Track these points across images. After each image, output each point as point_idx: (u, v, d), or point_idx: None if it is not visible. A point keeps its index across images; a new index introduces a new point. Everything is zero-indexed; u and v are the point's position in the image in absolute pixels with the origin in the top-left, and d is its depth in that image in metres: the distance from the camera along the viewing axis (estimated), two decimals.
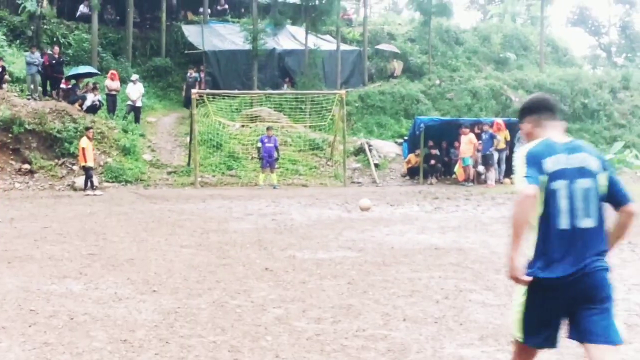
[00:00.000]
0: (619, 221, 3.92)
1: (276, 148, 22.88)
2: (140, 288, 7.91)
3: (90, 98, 24.37)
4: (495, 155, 23.70)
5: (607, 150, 31.93)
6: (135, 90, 25.80)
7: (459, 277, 8.52)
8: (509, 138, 23.69)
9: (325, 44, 34.13)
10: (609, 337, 3.73)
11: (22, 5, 29.45)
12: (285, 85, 31.99)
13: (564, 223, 3.75)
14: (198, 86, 28.45)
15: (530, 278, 3.78)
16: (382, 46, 37.81)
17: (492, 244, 11.05)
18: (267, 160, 22.57)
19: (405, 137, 27.54)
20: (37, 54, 24.39)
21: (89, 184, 20.28)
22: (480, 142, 24.01)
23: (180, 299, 7.37)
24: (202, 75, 30.30)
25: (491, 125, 23.95)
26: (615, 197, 3.90)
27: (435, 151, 25.26)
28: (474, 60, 40.16)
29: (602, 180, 3.86)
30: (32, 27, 29.95)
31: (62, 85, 25.22)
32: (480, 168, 24.09)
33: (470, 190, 21.33)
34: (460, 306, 7.11)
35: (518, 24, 50.15)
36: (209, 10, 36.11)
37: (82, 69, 26.65)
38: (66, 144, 22.29)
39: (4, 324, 6.36)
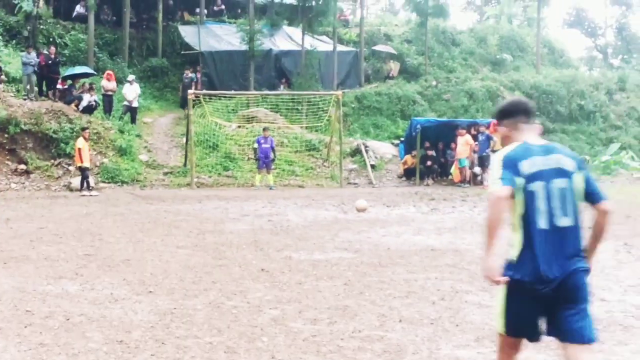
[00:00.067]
0: (595, 220, 4.02)
1: (272, 149, 22.87)
2: (136, 289, 7.90)
3: (87, 98, 24.33)
4: (492, 157, 23.70)
5: (603, 152, 32.04)
6: (132, 91, 25.77)
7: (455, 279, 8.52)
8: None
9: (322, 44, 34.15)
10: (584, 336, 3.89)
11: (19, 5, 29.39)
12: (282, 86, 31.97)
13: (543, 223, 3.86)
14: (194, 87, 28.44)
15: (506, 278, 3.88)
16: (379, 47, 37.83)
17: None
18: (264, 161, 22.56)
19: (402, 138, 27.55)
20: (33, 54, 24.33)
21: (85, 184, 20.24)
22: (476, 143, 24.05)
23: (176, 300, 7.37)
24: (199, 75, 30.28)
25: (487, 127, 23.96)
26: (590, 195, 3.99)
27: (431, 152, 25.29)
28: (470, 61, 40.20)
29: (578, 180, 3.95)
30: (28, 27, 29.89)
31: (59, 86, 25.16)
32: (477, 169, 24.11)
33: (466, 191, 21.36)
34: (457, 307, 7.12)
35: (514, 25, 50.20)
36: (205, 11, 36.07)
37: (79, 69, 26.60)
38: (62, 145, 22.24)
39: (0, 325, 6.35)
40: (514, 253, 3.92)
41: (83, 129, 21.13)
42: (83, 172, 20.33)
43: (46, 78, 25.20)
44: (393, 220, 14.40)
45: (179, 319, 6.60)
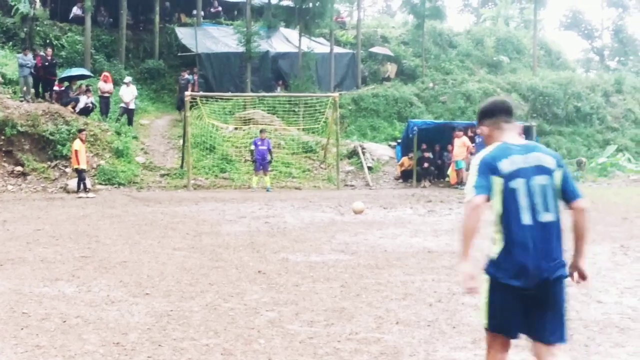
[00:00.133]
0: (573, 220, 4.10)
1: (269, 151, 22.86)
2: (133, 291, 7.89)
3: (83, 100, 24.33)
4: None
5: (600, 154, 32.11)
6: (129, 93, 25.76)
7: (452, 281, 8.52)
8: None
9: (319, 46, 34.17)
10: (557, 337, 4.02)
11: (15, 7, 29.39)
12: (279, 88, 31.99)
13: (526, 219, 3.94)
14: (191, 88, 28.42)
15: (485, 278, 4.04)
16: (376, 49, 37.87)
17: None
18: (261, 162, 22.54)
19: (399, 140, 27.58)
20: (30, 55, 24.31)
21: (81, 186, 20.23)
22: (473, 145, 24.04)
23: (173, 302, 7.36)
24: (196, 77, 30.26)
25: None
26: (567, 193, 4.08)
27: (428, 154, 25.31)
28: (467, 63, 40.27)
29: (558, 177, 4.04)
30: (25, 29, 29.89)
31: (55, 88, 25.14)
32: None
33: (463, 193, 21.32)
34: (453, 309, 7.12)
35: (511, 27, 50.35)
36: (202, 13, 36.09)
37: (75, 71, 26.60)
38: (59, 146, 22.22)
39: None
40: (495, 250, 4.03)
41: (80, 131, 21.11)
42: (80, 174, 20.32)
43: (43, 80, 25.18)
44: (390, 222, 14.40)
45: (176, 321, 6.59)
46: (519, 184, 3.95)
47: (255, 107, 28.19)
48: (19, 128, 21.88)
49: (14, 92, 24.82)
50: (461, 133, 24.17)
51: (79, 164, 20.17)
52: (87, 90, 24.85)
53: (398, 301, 7.50)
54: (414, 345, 5.89)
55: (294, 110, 28.38)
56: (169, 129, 27.94)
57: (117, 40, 31.97)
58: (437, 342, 6.00)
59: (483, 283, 4.08)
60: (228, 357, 5.58)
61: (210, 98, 26.77)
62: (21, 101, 23.63)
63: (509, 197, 3.96)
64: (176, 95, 29.84)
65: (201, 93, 27.49)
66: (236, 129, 27.04)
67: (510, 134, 4.20)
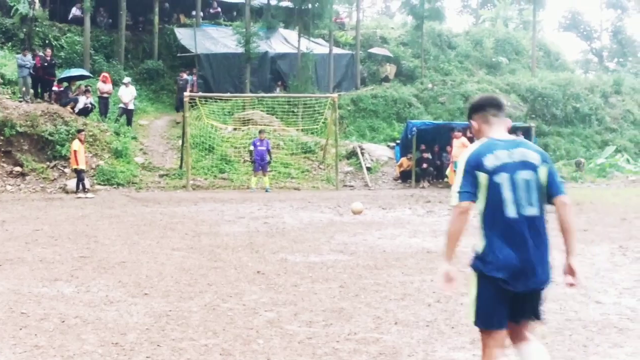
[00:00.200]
0: (557, 215, 4.13)
1: (268, 151, 22.87)
2: (132, 291, 7.89)
3: (82, 101, 24.33)
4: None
5: (599, 155, 32.12)
6: (128, 93, 25.77)
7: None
8: None
9: (318, 47, 34.18)
10: (534, 317, 4.20)
11: (14, 7, 29.39)
12: (278, 89, 32.00)
13: (511, 212, 4.02)
14: (190, 89, 28.44)
15: (472, 274, 4.15)
16: (375, 50, 37.89)
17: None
18: (260, 163, 22.54)
19: (398, 141, 27.60)
20: (29, 56, 24.32)
21: (80, 186, 20.21)
22: None
23: (171, 302, 7.36)
24: (195, 78, 30.30)
25: None
26: (551, 188, 4.12)
27: (427, 155, 25.32)
28: (466, 64, 40.31)
29: (543, 173, 4.10)
30: (24, 30, 29.91)
31: (54, 88, 25.16)
32: None
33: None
34: (452, 310, 7.12)
35: (510, 29, 50.37)
36: (201, 14, 36.10)
37: (75, 72, 26.62)
38: (58, 147, 22.23)
39: None
40: (481, 244, 4.10)
41: (79, 131, 21.09)
42: (79, 174, 20.31)
43: (42, 80, 25.20)
44: (389, 223, 14.40)
45: (175, 321, 6.59)
46: (503, 178, 4.02)
47: (254, 107, 28.20)
48: (18, 128, 21.89)
49: (13, 93, 24.83)
50: (460, 134, 24.11)
51: (77, 164, 20.15)
52: (86, 91, 24.87)
53: (397, 301, 7.49)
54: (412, 346, 5.88)
55: (293, 111, 28.39)
56: (168, 129, 27.94)
57: (116, 41, 31.99)
58: (435, 342, 6.00)
59: (471, 279, 4.17)
60: (227, 357, 5.58)
61: (209, 98, 26.78)
62: (20, 101, 23.64)
63: (493, 191, 4.03)
64: (175, 96, 29.86)
65: (200, 93, 27.51)
66: (235, 129, 27.05)
67: (498, 129, 4.27)
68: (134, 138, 25.46)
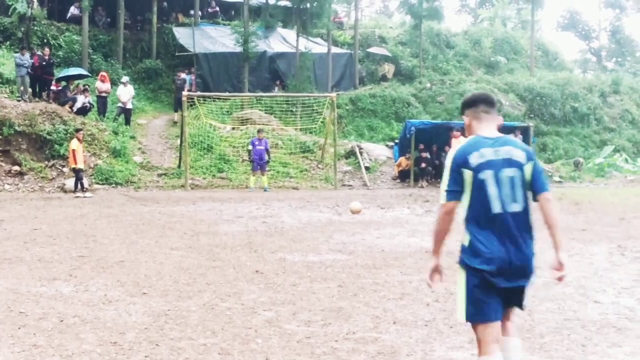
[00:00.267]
0: (542, 211, 4.20)
1: (267, 151, 22.86)
2: (130, 290, 7.89)
3: (81, 100, 24.31)
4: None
5: (597, 154, 32.14)
6: (126, 92, 25.75)
7: (449, 280, 8.51)
8: None
9: (316, 46, 34.17)
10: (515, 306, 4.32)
11: (13, 6, 29.36)
12: (276, 88, 32.00)
13: (496, 208, 4.11)
14: (189, 88, 28.43)
15: (460, 269, 4.32)
16: (373, 49, 37.89)
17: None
18: (258, 162, 22.53)
19: (396, 140, 27.59)
20: (27, 55, 24.29)
21: (79, 186, 20.19)
22: None
23: (170, 302, 7.36)
24: (193, 77, 30.28)
25: None
26: (535, 185, 4.20)
27: (426, 154, 25.30)
28: (464, 63, 40.32)
29: (528, 171, 4.18)
30: (22, 29, 29.86)
31: (53, 87, 25.14)
32: None
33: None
34: (451, 309, 7.11)
35: (509, 28, 50.36)
36: (199, 13, 36.08)
37: (73, 71, 26.59)
38: (56, 146, 22.20)
39: None
40: (467, 239, 4.23)
41: (77, 131, 21.05)
42: (77, 173, 20.28)
43: (40, 79, 25.17)
44: (387, 222, 14.41)
45: (173, 321, 6.59)
46: (487, 175, 4.11)
47: (252, 107, 28.19)
48: (16, 128, 21.86)
49: (11, 92, 24.80)
50: (459, 133, 24.10)
51: (76, 163, 20.12)
52: (85, 90, 24.84)
53: (395, 301, 7.50)
54: (411, 345, 5.89)
55: (291, 110, 28.39)
56: (167, 128, 27.93)
57: (114, 40, 31.96)
58: (434, 341, 6.01)
59: (458, 276, 4.29)
60: (225, 356, 5.58)
61: (207, 98, 26.76)
62: (18, 101, 23.60)
63: (478, 187, 4.13)
64: (173, 95, 29.84)
65: (198, 93, 27.49)
66: (234, 128, 27.03)
67: (488, 126, 4.33)
68: (133, 137, 25.45)
